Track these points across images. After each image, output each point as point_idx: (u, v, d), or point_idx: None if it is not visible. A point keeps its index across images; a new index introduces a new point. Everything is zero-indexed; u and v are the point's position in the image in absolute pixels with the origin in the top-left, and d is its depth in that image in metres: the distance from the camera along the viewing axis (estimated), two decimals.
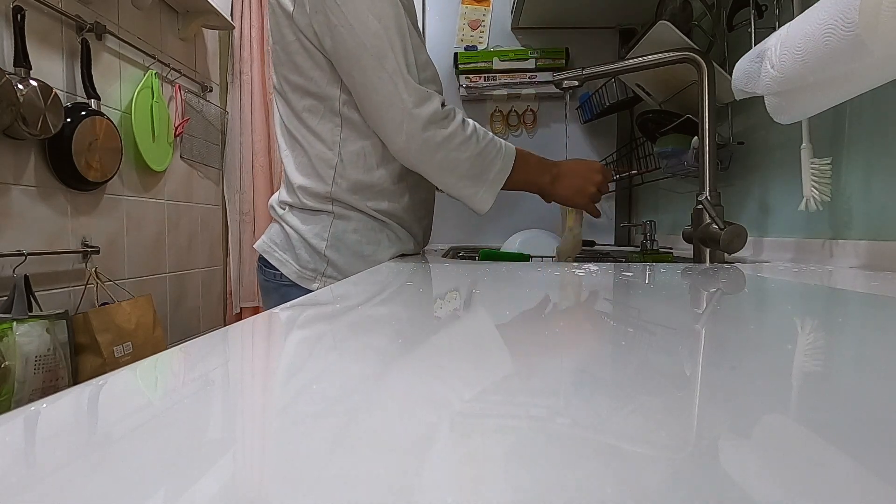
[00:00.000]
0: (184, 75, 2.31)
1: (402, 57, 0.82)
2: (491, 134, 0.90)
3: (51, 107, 1.51)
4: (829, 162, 0.80)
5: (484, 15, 1.85)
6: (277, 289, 0.92)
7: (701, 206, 0.88)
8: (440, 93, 0.88)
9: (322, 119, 0.89)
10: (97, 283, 1.77)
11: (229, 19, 2.47)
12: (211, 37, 2.62)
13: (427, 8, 1.81)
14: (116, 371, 0.24)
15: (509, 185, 0.91)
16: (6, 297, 1.44)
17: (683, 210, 1.42)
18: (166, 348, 0.28)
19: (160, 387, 0.24)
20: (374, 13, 0.81)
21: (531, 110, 1.85)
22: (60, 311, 1.54)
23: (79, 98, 1.74)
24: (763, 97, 0.70)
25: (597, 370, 0.25)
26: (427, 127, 0.82)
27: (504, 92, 1.78)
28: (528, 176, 0.94)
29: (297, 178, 0.91)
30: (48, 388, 1.44)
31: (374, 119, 0.85)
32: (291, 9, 0.84)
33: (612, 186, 1.84)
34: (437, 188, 1.13)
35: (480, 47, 1.84)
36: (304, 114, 0.89)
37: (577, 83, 0.98)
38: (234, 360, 0.28)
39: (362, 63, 0.81)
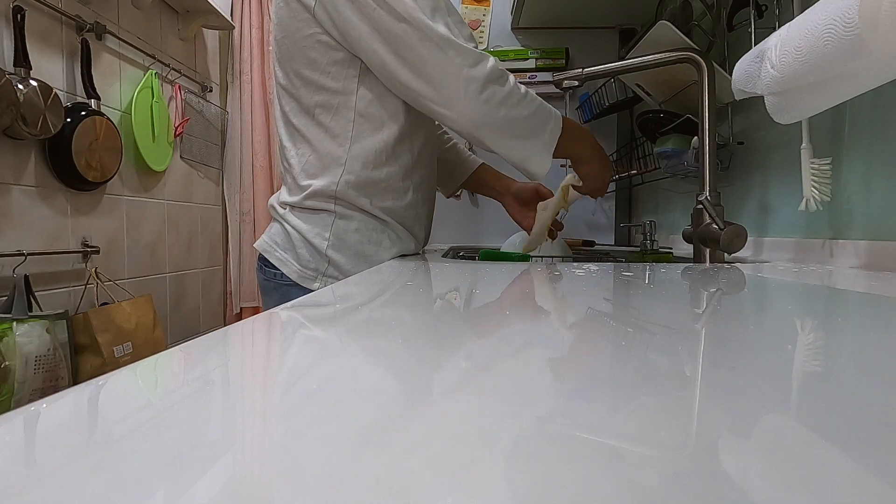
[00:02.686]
0: (184, 75, 2.31)
1: (445, 26, 0.81)
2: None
3: (51, 107, 1.51)
4: (829, 162, 0.80)
5: (484, 15, 1.85)
6: (278, 288, 0.91)
7: (701, 206, 0.88)
8: None
9: (335, 115, 0.88)
10: (97, 283, 1.77)
11: (229, 19, 2.47)
12: (211, 37, 2.62)
13: None
14: (116, 371, 0.24)
15: (556, 150, 0.90)
16: (6, 297, 1.44)
17: (683, 210, 1.42)
18: (166, 348, 0.28)
19: (160, 387, 0.24)
20: None
21: None
22: (60, 311, 1.54)
23: (79, 98, 1.74)
24: (763, 97, 0.70)
25: (597, 370, 0.25)
26: (486, 85, 0.81)
27: None
28: (573, 141, 0.93)
29: (303, 178, 0.90)
30: (48, 388, 1.44)
31: (428, 94, 0.82)
32: (313, 4, 0.83)
33: (612, 186, 1.84)
34: (436, 189, 1.13)
35: (480, 47, 1.84)
36: (315, 109, 0.88)
37: (577, 83, 0.98)
38: (234, 360, 0.28)
39: (407, 39, 0.79)
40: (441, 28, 0.80)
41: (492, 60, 0.83)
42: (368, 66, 0.85)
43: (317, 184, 0.89)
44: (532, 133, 0.86)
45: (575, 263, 0.87)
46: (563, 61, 1.76)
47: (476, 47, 0.86)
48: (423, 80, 0.81)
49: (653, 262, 1.04)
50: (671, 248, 1.35)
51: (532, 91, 0.88)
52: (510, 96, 0.83)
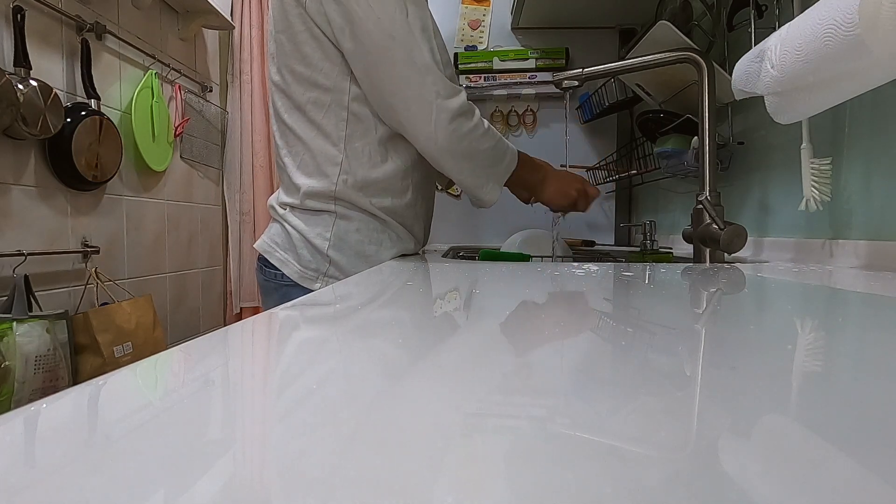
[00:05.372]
0: (184, 75, 2.31)
1: (430, 51, 0.83)
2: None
3: (51, 107, 1.51)
4: (829, 162, 0.80)
5: (484, 15, 1.85)
6: (278, 289, 0.91)
7: (701, 206, 0.88)
8: None
9: (327, 112, 0.88)
10: (97, 283, 1.77)
11: (229, 19, 2.46)
12: (211, 37, 2.62)
13: None
14: (116, 371, 0.24)
15: (509, 181, 0.97)
16: (6, 297, 1.44)
17: (683, 210, 1.42)
18: (166, 348, 0.28)
19: (160, 387, 0.24)
20: (401, 7, 0.81)
21: (531, 110, 1.85)
22: (60, 311, 1.54)
23: (79, 98, 1.73)
24: (763, 97, 0.70)
25: (597, 370, 0.25)
26: (455, 118, 0.86)
27: (504, 92, 1.78)
28: (523, 173, 0.99)
29: (300, 179, 0.90)
30: (48, 388, 1.44)
31: (401, 112, 0.85)
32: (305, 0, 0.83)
33: (612, 186, 1.84)
34: (437, 187, 1.12)
35: (480, 47, 1.84)
36: (307, 106, 0.88)
37: (577, 83, 0.98)
38: (234, 360, 0.28)
39: (392, 55, 0.81)
40: (425, 53, 0.83)
41: (464, 94, 0.88)
42: (351, 67, 0.86)
43: (314, 184, 0.88)
44: (488, 164, 0.92)
45: (575, 263, 0.87)
46: (563, 61, 1.76)
47: (454, 74, 0.92)
48: (399, 99, 0.84)
49: (653, 262, 1.04)
50: (671, 248, 1.35)
51: (493, 127, 0.94)
52: (475, 129, 0.88)
